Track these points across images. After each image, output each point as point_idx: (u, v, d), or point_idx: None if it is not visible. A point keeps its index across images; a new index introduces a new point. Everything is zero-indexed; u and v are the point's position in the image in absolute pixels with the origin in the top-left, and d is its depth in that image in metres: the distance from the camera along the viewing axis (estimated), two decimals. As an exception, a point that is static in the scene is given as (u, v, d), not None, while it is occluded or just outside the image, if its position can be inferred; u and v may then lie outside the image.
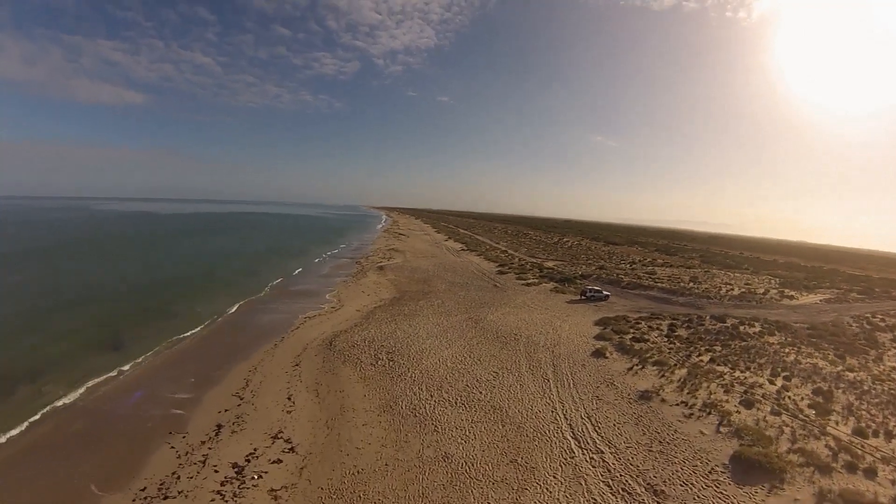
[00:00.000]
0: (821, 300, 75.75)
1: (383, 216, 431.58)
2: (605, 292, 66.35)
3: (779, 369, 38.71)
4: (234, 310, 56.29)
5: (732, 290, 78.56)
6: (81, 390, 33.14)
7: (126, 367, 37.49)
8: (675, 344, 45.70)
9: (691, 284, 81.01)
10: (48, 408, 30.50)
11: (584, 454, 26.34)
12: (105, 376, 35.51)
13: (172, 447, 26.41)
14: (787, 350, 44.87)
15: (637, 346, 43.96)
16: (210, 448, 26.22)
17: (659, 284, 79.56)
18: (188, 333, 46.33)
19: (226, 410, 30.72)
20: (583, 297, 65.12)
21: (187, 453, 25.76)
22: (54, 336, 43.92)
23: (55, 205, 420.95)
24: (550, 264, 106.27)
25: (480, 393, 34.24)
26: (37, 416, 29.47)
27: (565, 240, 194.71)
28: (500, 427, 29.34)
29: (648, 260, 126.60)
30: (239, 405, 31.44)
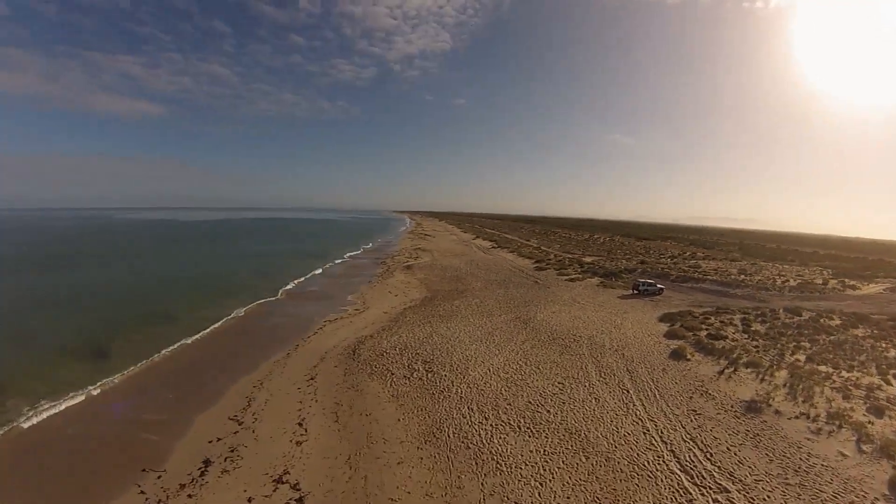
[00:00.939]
0: (884, 290, 70.10)
1: (406, 219, 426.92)
2: (658, 285, 62.39)
3: (884, 366, 34.23)
4: (242, 314, 50.35)
5: (788, 280, 74.55)
6: (44, 410, 27.28)
7: (105, 381, 31.60)
8: (757, 341, 40.78)
9: (742, 276, 77.07)
10: (-5, 435, 24.68)
11: (703, 495, 19.73)
12: (76, 393, 29.60)
13: (142, 492, 20.04)
14: (883, 344, 40.11)
15: (717, 344, 38.92)
16: (190, 496, 19.64)
17: (709, 277, 75.04)
18: (186, 341, 40.40)
19: (218, 440, 24.20)
20: (635, 292, 61.22)
21: (159, 502, 19.29)
22: (35, 344, 38.80)
23: (77, 215, 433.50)
24: (589, 259, 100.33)
25: (548, 411, 27.28)
26: (-23, 446, 23.64)
27: (596, 236, 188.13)
28: (584, 460, 22.36)
29: (688, 253, 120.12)
30: (236, 432, 24.88)
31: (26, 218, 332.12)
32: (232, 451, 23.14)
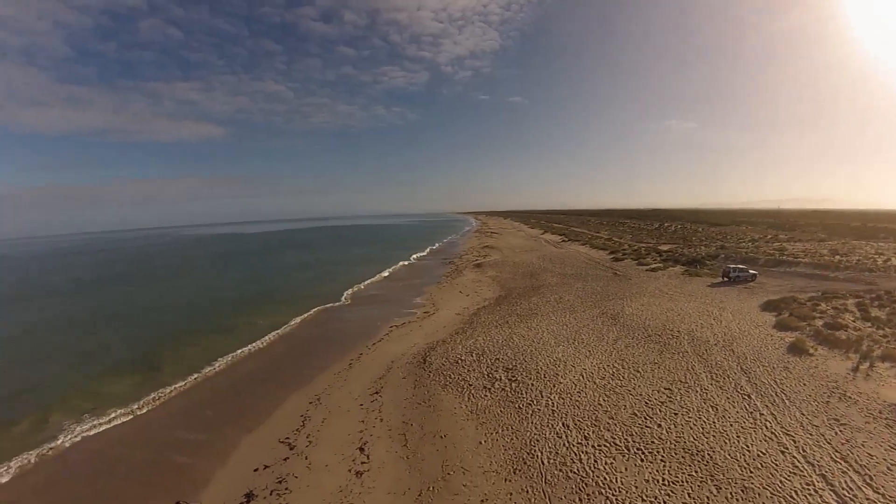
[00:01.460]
0: None
1: (470, 219, 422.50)
2: (750, 271, 57.87)
3: None
4: (300, 322, 47.81)
5: (889, 259, 65.02)
6: (85, 429, 25.23)
7: (155, 396, 29.46)
8: (883, 329, 34.47)
9: (838, 257, 67.73)
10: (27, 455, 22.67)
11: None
12: (122, 410, 27.52)
13: (173, 535, 16.53)
14: None
15: (839, 335, 33.29)
16: (226, 545, 15.86)
17: (801, 260, 66.33)
18: (242, 352, 38.09)
19: (265, 467, 20.54)
20: (725, 279, 57.15)
21: (191, 552, 15.65)
22: (92, 358, 38.24)
23: (145, 234, 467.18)
24: (666, 248, 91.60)
25: (658, 426, 21.79)
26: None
27: (665, 224, 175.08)
28: (715, 492, 17.09)
29: (769, 236, 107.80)
30: (286, 459, 21.09)
31: (98, 240, 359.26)
32: (280, 482, 19.29)
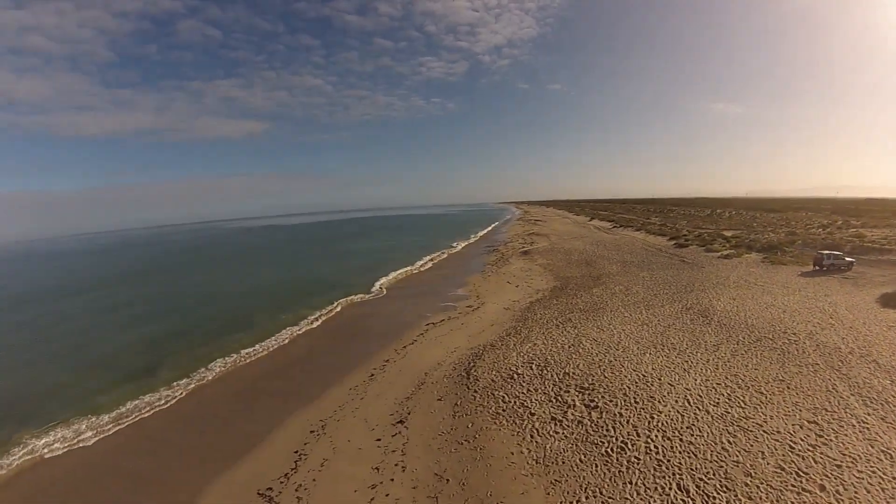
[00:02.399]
0: None
1: (511, 208, 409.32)
2: (847, 258, 50.99)
3: None
4: (324, 318, 41.16)
5: None
6: (36, 447, 19.16)
7: (128, 408, 23.29)
8: None
9: None
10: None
11: None
12: (83, 431, 21.38)
13: None
14: None
15: None
16: None
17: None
18: (245, 353, 31.70)
19: (227, 549, 13.49)
20: (818, 268, 50.27)
21: None
22: (81, 361, 32.87)
23: (191, 228, 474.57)
24: (729, 233, 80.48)
25: (822, 488, 13.94)
26: None
27: (718, 211, 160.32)
28: None
29: (839, 222, 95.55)
30: (261, 532, 14.00)
31: (146, 235, 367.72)
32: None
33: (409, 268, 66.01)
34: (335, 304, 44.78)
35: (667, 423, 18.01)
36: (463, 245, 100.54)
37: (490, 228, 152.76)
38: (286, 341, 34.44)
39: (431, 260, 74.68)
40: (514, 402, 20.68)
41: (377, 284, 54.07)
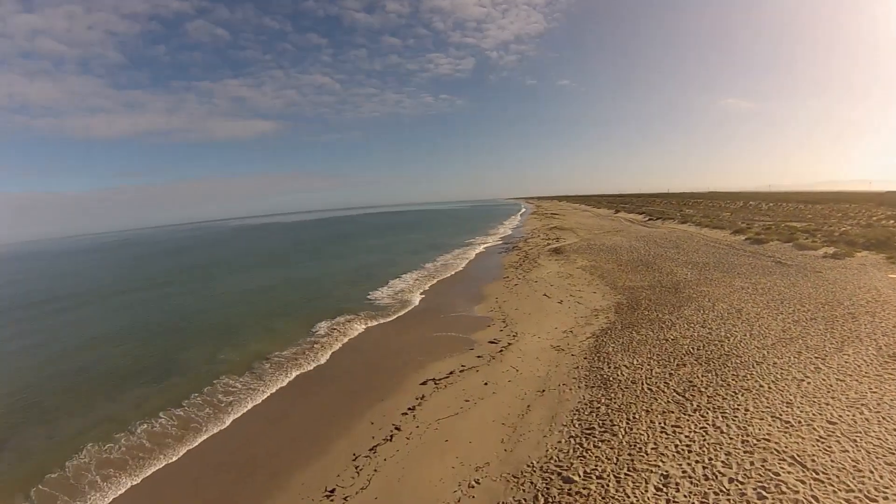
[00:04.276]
0: None
1: (521, 204, 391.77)
2: None
3: None
4: (267, 391, 26.49)
5: None
6: None
7: None
8: None
9: None
10: None
11: None
12: None
13: None
14: None
15: None
16: None
17: None
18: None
19: None
20: None
21: None
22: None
23: (201, 226, 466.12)
24: (798, 225, 64.56)
25: None
26: None
27: (749, 203, 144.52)
28: None
29: None
30: None
31: (157, 234, 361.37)
32: None
33: (409, 274, 51.07)
34: (288, 376, 29.93)
35: None
36: (477, 240, 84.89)
37: (505, 223, 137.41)
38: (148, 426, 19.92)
39: (438, 263, 59.47)
40: None
41: (366, 299, 39.39)
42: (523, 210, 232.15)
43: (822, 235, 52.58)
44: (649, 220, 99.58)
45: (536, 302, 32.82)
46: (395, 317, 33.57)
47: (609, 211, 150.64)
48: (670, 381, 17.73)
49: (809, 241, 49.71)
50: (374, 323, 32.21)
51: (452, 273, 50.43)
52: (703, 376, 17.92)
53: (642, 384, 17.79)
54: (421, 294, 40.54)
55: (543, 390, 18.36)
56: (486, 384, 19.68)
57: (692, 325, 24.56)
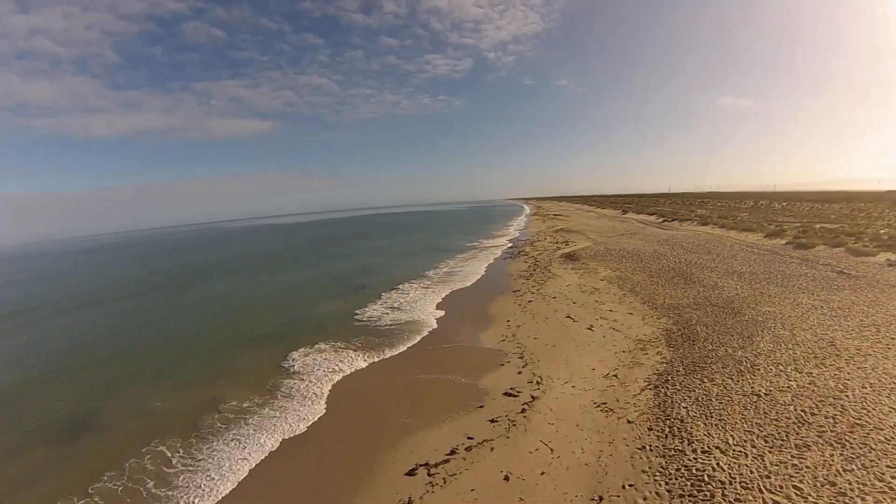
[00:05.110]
0: None
1: (521, 204, 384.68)
2: None
3: None
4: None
5: None
6: None
7: None
8: None
9: None
10: None
11: None
12: None
13: None
14: None
15: None
16: None
17: None
18: None
19: None
20: None
21: None
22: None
23: (194, 228, 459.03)
24: (831, 226, 60.21)
25: None
26: None
27: (760, 202, 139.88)
28: None
29: None
30: None
31: (151, 235, 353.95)
32: None
33: (399, 287, 44.16)
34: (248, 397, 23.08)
35: None
36: (478, 244, 77.65)
37: (506, 224, 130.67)
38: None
39: (432, 273, 52.53)
40: None
41: (362, 313, 32.55)
42: (525, 210, 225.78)
43: (870, 238, 46.47)
44: (664, 221, 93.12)
45: (559, 327, 26.04)
46: (373, 363, 26.74)
47: (615, 212, 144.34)
48: (800, 481, 10.98)
49: (860, 245, 43.51)
50: (353, 364, 25.38)
51: (453, 284, 43.56)
52: (844, 471, 11.21)
53: (758, 487, 11.03)
54: (412, 316, 33.71)
55: (601, 498, 11.57)
56: (506, 478, 12.89)
57: (781, 367, 17.88)
